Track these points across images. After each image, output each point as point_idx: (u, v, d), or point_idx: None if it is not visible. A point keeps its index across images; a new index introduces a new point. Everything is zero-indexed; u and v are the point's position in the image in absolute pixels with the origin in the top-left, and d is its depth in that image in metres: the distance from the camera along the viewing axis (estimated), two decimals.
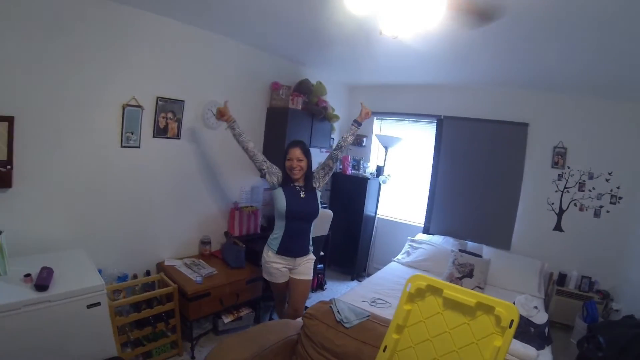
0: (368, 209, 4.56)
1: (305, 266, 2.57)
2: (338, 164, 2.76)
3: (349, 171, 4.65)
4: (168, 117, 2.85)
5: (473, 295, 1.34)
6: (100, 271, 2.57)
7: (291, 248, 2.50)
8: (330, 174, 2.67)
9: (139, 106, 2.66)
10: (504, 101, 3.99)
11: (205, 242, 3.29)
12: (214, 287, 2.76)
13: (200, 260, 3.12)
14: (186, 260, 3.06)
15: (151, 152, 2.80)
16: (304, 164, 2.48)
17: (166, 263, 2.97)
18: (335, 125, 4.37)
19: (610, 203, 3.57)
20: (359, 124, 2.67)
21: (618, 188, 3.53)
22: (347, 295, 2.91)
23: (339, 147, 2.63)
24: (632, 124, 3.45)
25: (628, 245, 3.46)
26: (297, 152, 2.46)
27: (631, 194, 3.48)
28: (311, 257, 2.61)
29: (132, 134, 2.67)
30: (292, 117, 3.55)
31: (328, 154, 2.69)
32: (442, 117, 4.33)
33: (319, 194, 2.60)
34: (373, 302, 2.81)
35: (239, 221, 3.48)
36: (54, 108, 2.26)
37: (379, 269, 4.63)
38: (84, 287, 1.95)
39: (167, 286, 2.66)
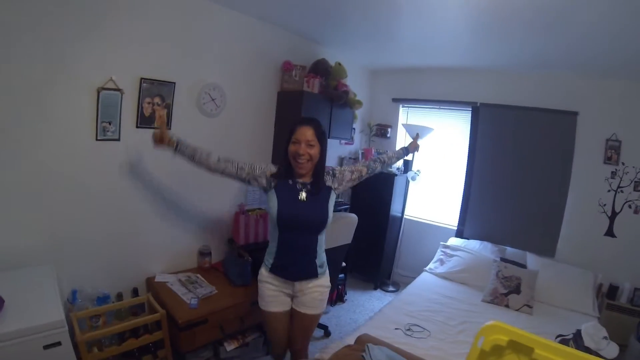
0: (394, 209, 3.99)
1: (312, 297, 1.88)
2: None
3: None
4: (155, 103, 2.33)
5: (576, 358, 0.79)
6: (74, 292, 2.12)
7: (287, 267, 1.85)
8: (356, 183, 2.07)
9: (118, 89, 2.14)
10: (550, 86, 3.39)
11: (204, 253, 2.78)
12: (213, 312, 2.25)
13: (198, 275, 2.61)
14: (181, 276, 2.56)
15: (135, 145, 2.29)
16: (315, 151, 1.79)
17: (157, 279, 2.48)
18: (357, 113, 3.79)
19: None
20: (407, 153, 2.45)
21: None
22: (375, 320, 2.36)
23: (382, 161, 2.18)
24: None
25: None
26: (307, 133, 1.76)
27: None
28: (322, 282, 1.91)
29: (110, 124, 2.15)
30: (308, 102, 2.99)
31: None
32: (478, 105, 3.71)
33: (332, 197, 1.91)
34: (408, 329, 2.26)
35: (244, 227, 2.95)
36: (9, 91, 1.76)
37: (406, 277, 4.15)
38: (40, 324, 1.48)
39: (154, 312, 2.16)
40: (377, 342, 1.60)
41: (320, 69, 3.13)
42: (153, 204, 2.48)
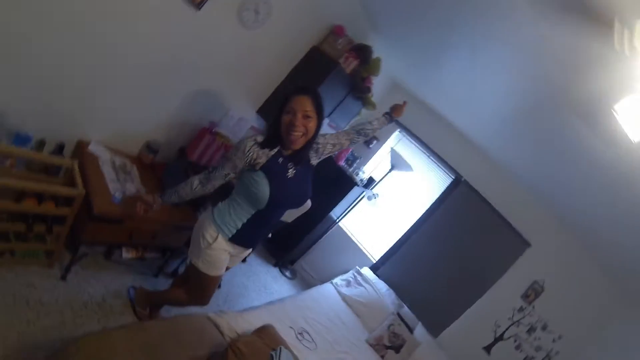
0: (335, 211, 3.99)
1: (241, 257, 1.98)
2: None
3: (342, 162, 4.01)
4: None
5: None
6: None
7: (252, 238, 1.83)
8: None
9: None
10: (525, 209, 3.59)
11: (151, 148, 2.49)
12: (131, 213, 2.02)
13: (134, 167, 2.34)
14: (117, 159, 2.26)
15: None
16: (312, 124, 1.62)
17: (90, 148, 2.16)
18: (363, 113, 3.69)
19: None
20: (392, 120, 2.10)
21: (556, 354, 3.34)
22: (274, 308, 2.35)
23: (363, 133, 1.97)
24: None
25: None
26: (306, 104, 1.58)
27: None
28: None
29: None
30: (334, 77, 2.81)
31: (333, 131, 1.90)
32: (462, 179, 3.83)
33: (311, 171, 1.83)
34: (300, 334, 2.28)
35: (203, 147, 2.69)
36: None
37: (306, 273, 4.24)
38: None
39: (72, 184, 1.86)
40: (285, 344, 1.58)
41: (362, 54, 2.96)
42: (126, 65, 2.08)
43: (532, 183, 3.33)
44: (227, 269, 1.93)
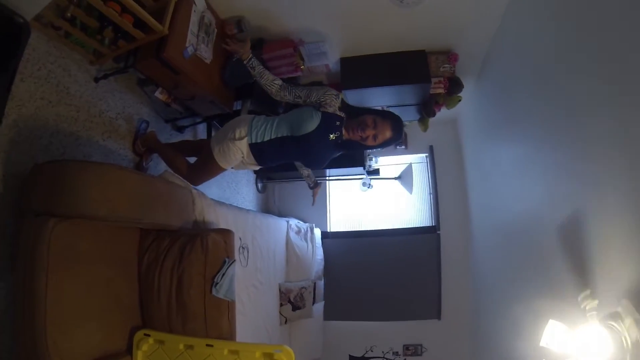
0: (331, 171, 4.21)
1: (250, 168, 2.20)
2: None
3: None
4: None
5: None
6: None
7: (265, 156, 1.98)
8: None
9: None
10: (458, 292, 3.94)
11: (240, 27, 2.51)
12: (190, 72, 2.19)
13: (215, 32, 2.42)
14: (208, 14, 2.32)
15: None
16: (380, 140, 1.88)
17: None
18: (411, 124, 3.79)
19: None
20: (310, 186, 2.54)
21: None
22: (240, 215, 2.67)
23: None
24: None
25: None
26: (387, 134, 1.86)
27: None
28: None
29: None
30: (418, 87, 2.92)
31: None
32: (437, 232, 4.15)
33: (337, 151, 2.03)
34: (243, 248, 2.63)
35: (280, 55, 2.74)
36: None
37: (274, 197, 4.57)
38: None
39: (160, 18, 1.91)
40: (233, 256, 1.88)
41: (454, 88, 3.01)
42: None
43: (482, 286, 3.55)
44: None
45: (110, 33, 1.94)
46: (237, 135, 1.92)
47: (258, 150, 1.94)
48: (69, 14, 1.74)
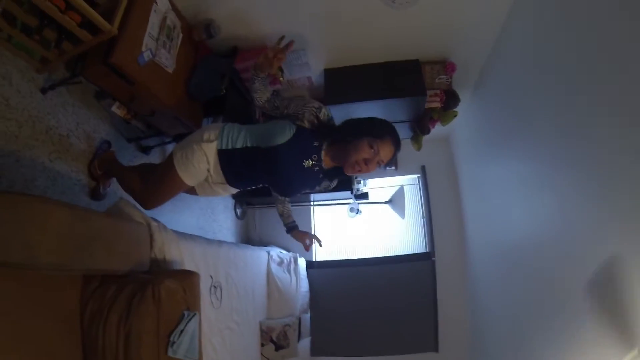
0: (316, 195, 3.90)
1: (214, 189, 1.72)
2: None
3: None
4: None
5: None
6: None
7: (231, 168, 1.59)
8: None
9: None
10: (455, 321, 3.64)
11: (209, 31, 2.21)
12: (147, 82, 1.84)
13: (181, 36, 2.10)
14: (171, 16, 2.01)
15: None
16: (373, 168, 1.50)
17: None
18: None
19: None
20: (286, 229, 1.90)
21: None
22: (210, 249, 2.25)
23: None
24: None
25: None
26: (389, 156, 1.51)
27: None
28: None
29: None
30: (411, 101, 2.63)
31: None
32: (432, 259, 3.82)
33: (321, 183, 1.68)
34: (215, 287, 2.22)
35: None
36: None
37: (255, 223, 4.20)
38: None
39: (110, 17, 1.59)
40: (198, 306, 1.51)
41: (450, 102, 2.75)
42: None
43: (482, 318, 3.28)
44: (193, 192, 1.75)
45: (52, 33, 1.62)
46: (205, 138, 1.58)
47: (226, 159, 1.58)
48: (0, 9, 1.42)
